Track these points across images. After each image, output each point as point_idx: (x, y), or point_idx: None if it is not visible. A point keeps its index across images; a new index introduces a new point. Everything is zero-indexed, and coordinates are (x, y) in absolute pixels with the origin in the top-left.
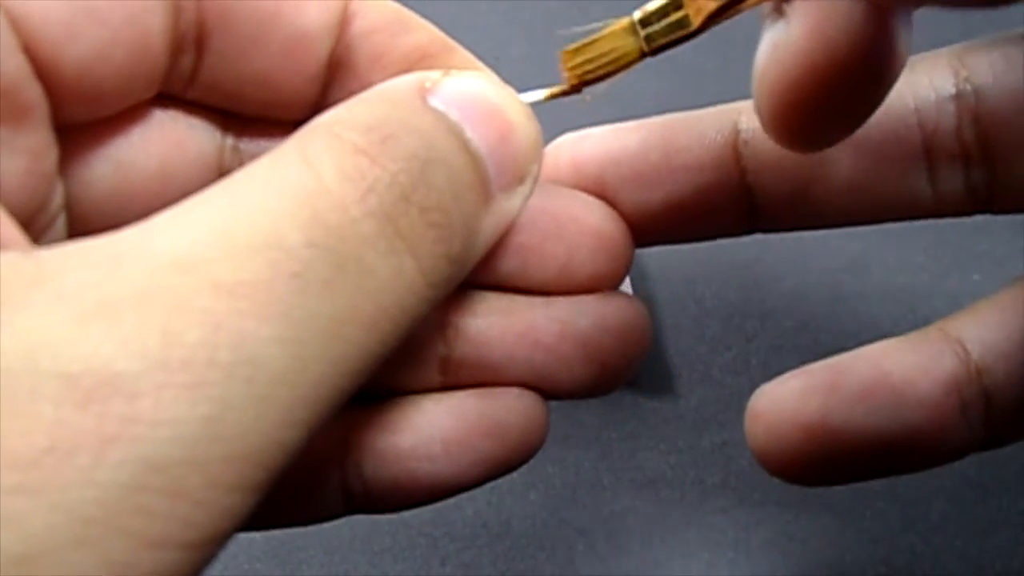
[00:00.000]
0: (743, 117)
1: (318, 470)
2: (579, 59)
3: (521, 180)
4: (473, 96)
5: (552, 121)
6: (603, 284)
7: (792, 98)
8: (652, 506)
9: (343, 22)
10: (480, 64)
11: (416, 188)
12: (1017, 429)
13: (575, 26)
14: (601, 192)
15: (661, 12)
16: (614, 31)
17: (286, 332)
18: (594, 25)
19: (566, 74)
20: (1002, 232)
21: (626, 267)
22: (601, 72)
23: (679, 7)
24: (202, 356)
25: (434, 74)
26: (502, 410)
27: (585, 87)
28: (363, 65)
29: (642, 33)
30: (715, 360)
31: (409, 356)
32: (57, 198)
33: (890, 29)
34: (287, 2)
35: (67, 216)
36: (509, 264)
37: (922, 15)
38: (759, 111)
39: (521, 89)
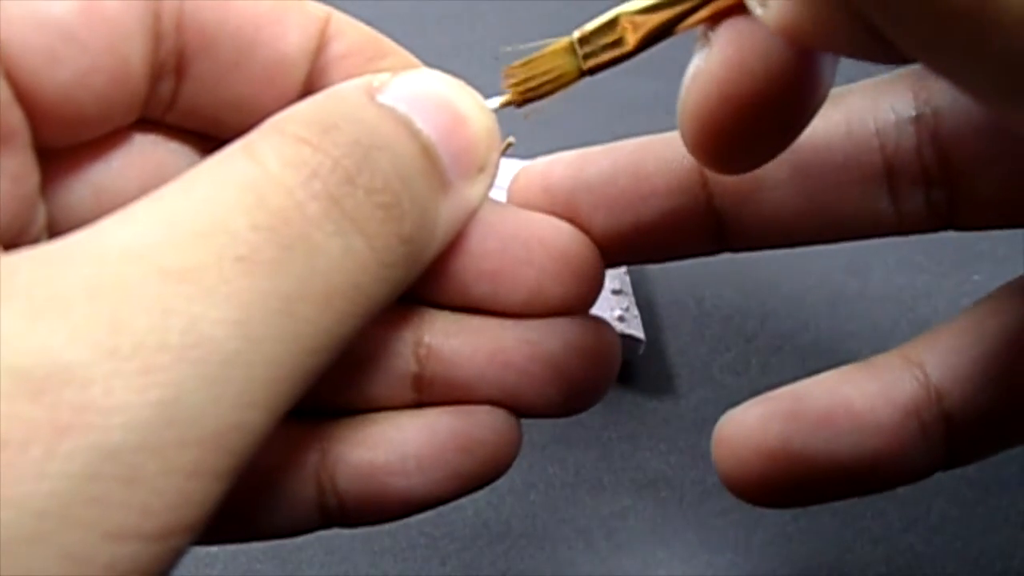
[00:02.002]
0: None
1: (293, 484)
2: (521, 76)
3: (480, 168)
4: (421, 90)
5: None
6: (573, 307)
7: (710, 124)
8: (652, 506)
9: (320, 46)
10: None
11: (360, 171)
12: (978, 448)
13: (572, 26)
14: (572, 216)
15: (598, 33)
16: (554, 50)
17: (235, 313)
18: (536, 43)
19: (509, 90)
20: (1002, 232)
21: (596, 290)
22: (541, 90)
23: (615, 28)
24: (152, 341)
25: (383, 76)
26: (474, 426)
27: (527, 103)
28: None
29: (580, 53)
30: (715, 360)
31: (382, 373)
32: (39, 221)
33: (810, 61)
34: (267, 28)
35: (49, 238)
36: (480, 288)
37: None
38: (681, 135)
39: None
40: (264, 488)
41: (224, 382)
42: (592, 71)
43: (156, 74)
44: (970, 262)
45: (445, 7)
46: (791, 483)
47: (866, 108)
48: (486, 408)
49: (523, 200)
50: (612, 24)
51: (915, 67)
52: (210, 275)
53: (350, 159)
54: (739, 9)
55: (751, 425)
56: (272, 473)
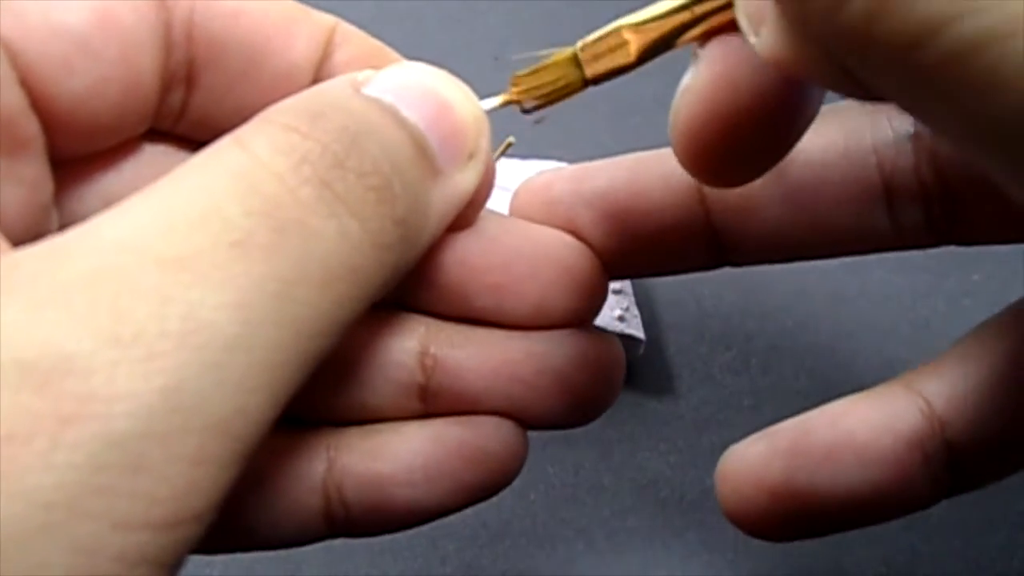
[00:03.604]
0: None
1: (299, 494)
2: (527, 84)
3: (470, 155)
4: (404, 81)
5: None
6: (577, 319)
7: (699, 139)
8: (652, 506)
9: (325, 55)
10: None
11: (349, 155)
12: (982, 476)
13: (572, 28)
14: (572, 230)
15: (600, 43)
16: (559, 60)
17: (233, 298)
18: (542, 52)
19: (514, 97)
20: None
21: (600, 302)
22: (546, 99)
23: (618, 40)
24: (152, 329)
25: (368, 72)
26: (481, 437)
27: (534, 111)
28: None
29: (584, 63)
30: (715, 360)
31: (388, 384)
32: (52, 230)
33: (798, 83)
34: (275, 38)
35: None
36: (485, 301)
37: None
38: (673, 148)
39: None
40: (271, 498)
41: (226, 367)
42: (596, 81)
43: (167, 84)
44: (970, 262)
45: (445, 7)
46: (795, 518)
47: (864, 124)
48: (493, 419)
49: (525, 214)
50: (614, 35)
51: None
52: (206, 261)
53: (339, 143)
54: (734, 25)
55: (754, 461)
56: (279, 483)
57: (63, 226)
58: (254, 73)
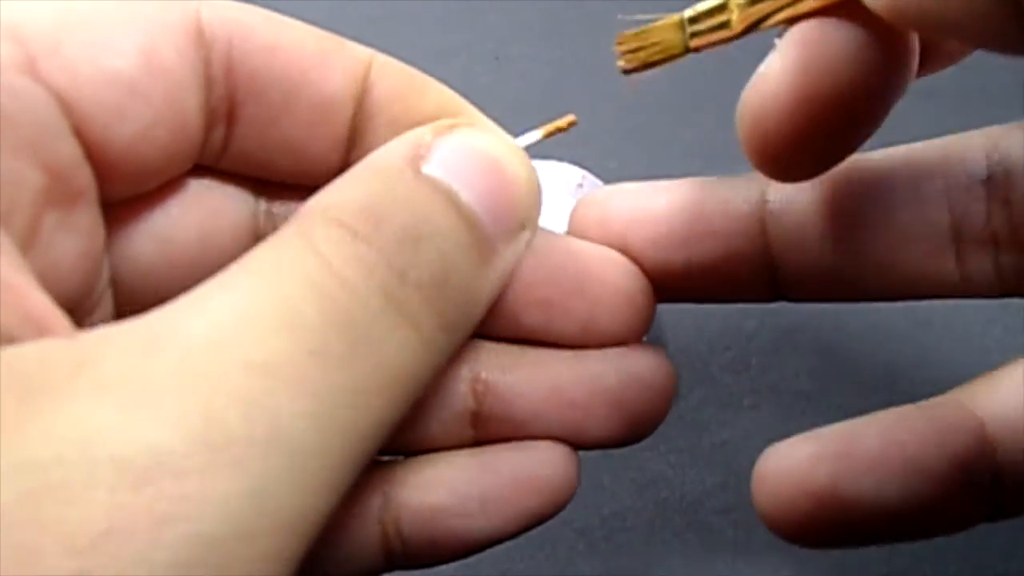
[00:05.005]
0: (771, 187)
1: (357, 530)
2: (632, 45)
3: (522, 226)
4: (465, 153)
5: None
6: (626, 337)
7: (767, 130)
8: (652, 506)
9: (364, 88)
10: (496, 127)
11: (410, 267)
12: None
13: (573, 29)
14: (624, 249)
15: (707, 14)
16: (665, 24)
17: (312, 406)
18: (649, 16)
19: (619, 56)
20: None
21: (648, 321)
22: (649, 60)
23: (723, 11)
24: (241, 433)
25: (426, 134)
26: (535, 464)
27: (633, 72)
28: (382, 130)
29: (688, 30)
30: (715, 360)
31: (441, 412)
32: (104, 275)
33: (882, 71)
34: (312, 71)
35: (113, 291)
36: (533, 319)
37: (956, 96)
38: (741, 135)
39: (523, 90)
40: (330, 537)
41: (303, 472)
42: (697, 49)
43: (209, 121)
44: None
45: (445, 7)
46: (836, 525)
47: (937, 166)
48: (545, 443)
49: (581, 229)
50: (721, 7)
51: (990, 128)
52: (288, 368)
53: (400, 256)
54: (827, 11)
55: (799, 462)
56: (337, 522)
57: (113, 269)
58: (293, 106)
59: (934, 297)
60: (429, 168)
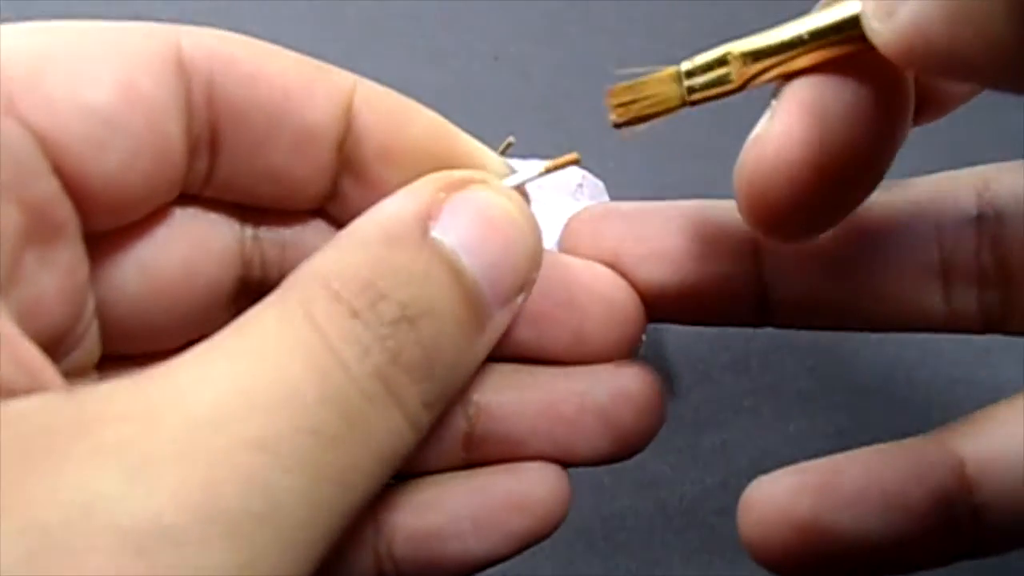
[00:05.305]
0: None
1: (351, 556)
2: (625, 98)
3: (520, 290)
4: (475, 218)
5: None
6: (616, 352)
7: (767, 198)
8: (652, 506)
9: (349, 115)
10: (484, 149)
11: (403, 350)
12: (1006, 542)
13: (573, 29)
14: (615, 266)
15: (706, 67)
16: (660, 77)
17: (305, 483)
18: (644, 68)
19: (611, 110)
20: None
21: (638, 336)
22: (642, 113)
23: (724, 64)
24: (238, 507)
25: (440, 191)
26: (527, 484)
27: (626, 126)
28: (371, 156)
29: (685, 83)
30: (715, 360)
31: (434, 436)
32: (90, 307)
33: (876, 134)
34: (295, 99)
35: (100, 321)
36: (524, 334)
37: (949, 132)
38: (736, 197)
39: (523, 90)
40: (324, 565)
41: (293, 544)
42: (695, 103)
43: (192, 150)
44: None
45: (445, 7)
46: (817, 557)
47: (928, 202)
48: (537, 465)
49: (573, 244)
50: (720, 61)
51: (982, 167)
52: (285, 446)
53: (395, 338)
54: (845, 62)
55: (782, 495)
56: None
57: (99, 299)
58: (276, 134)
59: (920, 331)
60: (437, 231)
